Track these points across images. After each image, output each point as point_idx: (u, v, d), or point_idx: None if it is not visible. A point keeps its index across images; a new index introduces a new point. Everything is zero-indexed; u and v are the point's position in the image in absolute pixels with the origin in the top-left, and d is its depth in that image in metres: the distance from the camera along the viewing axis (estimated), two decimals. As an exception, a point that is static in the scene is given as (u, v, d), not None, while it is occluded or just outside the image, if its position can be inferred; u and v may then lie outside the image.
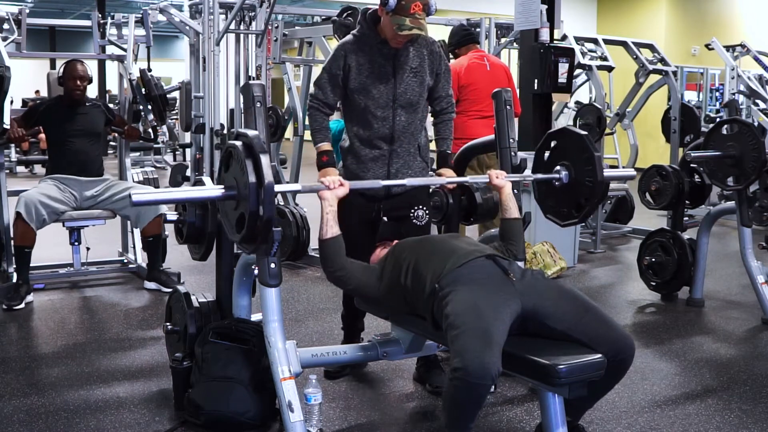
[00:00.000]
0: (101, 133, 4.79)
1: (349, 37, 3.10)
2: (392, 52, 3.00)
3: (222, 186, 2.43)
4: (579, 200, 2.87)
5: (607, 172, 2.83)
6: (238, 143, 2.34)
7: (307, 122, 6.30)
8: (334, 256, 2.61)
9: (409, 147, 3.11)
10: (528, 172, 3.13)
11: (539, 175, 2.95)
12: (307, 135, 6.47)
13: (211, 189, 2.46)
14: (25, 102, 10.85)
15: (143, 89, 4.81)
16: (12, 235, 4.46)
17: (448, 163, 3.18)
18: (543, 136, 3.02)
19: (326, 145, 3.09)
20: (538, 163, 3.01)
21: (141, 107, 4.92)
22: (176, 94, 6.24)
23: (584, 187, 2.83)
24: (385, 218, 3.12)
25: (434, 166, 3.28)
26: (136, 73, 4.86)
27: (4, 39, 4.78)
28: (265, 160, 2.28)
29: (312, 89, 3.14)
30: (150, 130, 5.12)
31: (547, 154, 2.98)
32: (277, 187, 2.34)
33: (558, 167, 2.90)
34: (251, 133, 2.35)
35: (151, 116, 4.87)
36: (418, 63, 3.05)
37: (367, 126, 3.07)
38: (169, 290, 3.54)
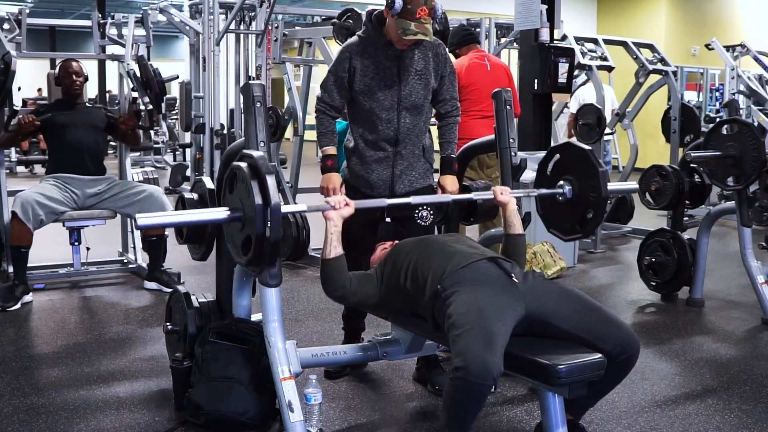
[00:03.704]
0: (101, 131, 4.79)
1: (354, 38, 3.09)
2: (397, 54, 3.00)
3: (227, 208, 2.38)
4: (583, 215, 2.84)
5: (611, 186, 2.80)
6: (243, 164, 2.30)
7: (307, 122, 6.35)
8: (336, 276, 2.56)
9: (414, 149, 3.11)
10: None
11: (543, 190, 2.92)
12: (308, 135, 6.51)
13: (216, 211, 2.42)
14: (24, 102, 10.84)
15: (140, 76, 4.77)
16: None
17: (452, 168, 3.16)
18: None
19: (331, 149, 3.10)
20: (541, 178, 2.98)
21: (137, 95, 4.88)
22: (176, 93, 6.25)
23: (588, 202, 2.80)
24: (388, 219, 3.12)
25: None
26: (135, 65, 4.83)
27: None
28: (271, 181, 2.24)
29: (318, 92, 3.13)
30: (144, 115, 4.99)
31: (550, 167, 2.96)
32: (284, 208, 2.30)
33: (561, 182, 2.88)
34: (256, 153, 2.31)
35: (146, 99, 4.80)
36: (423, 65, 3.04)
37: (372, 128, 3.06)
38: (170, 290, 3.54)
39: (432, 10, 2.85)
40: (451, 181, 3.16)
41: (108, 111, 4.97)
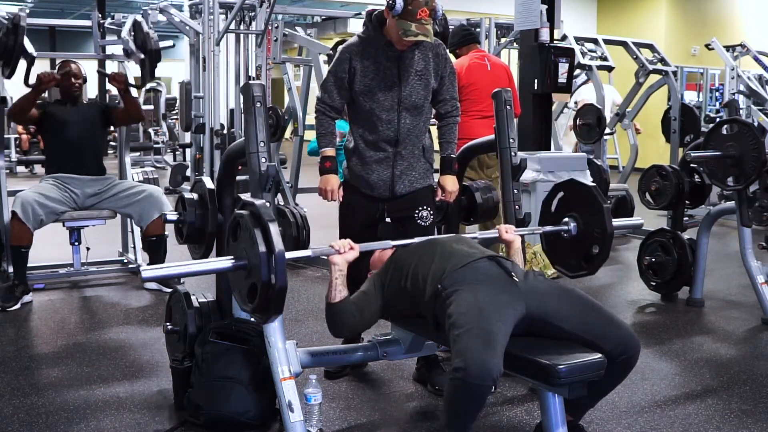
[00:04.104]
0: (100, 127, 4.78)
1: (354, 38, 3.08)
2: (397, 55, 2.99)
3: (231, 257, 2.36)
4: (588, 251, 2.83)
5: (616, 222, 2.79)
6: (246, 213, 2.29)
7: (306, 122, 6.36)
8: (341, 317, 2.54)
9: (414, 149, 3.11)
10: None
11: (548, 228, 2.91)
12: (307, 135, 6.51)
13: (220, 261, 2.39)
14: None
15: (135, 39, 4.74)
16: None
17: (452, 168, 3.16)
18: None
19: (330, 151, 3.10)
20: (546, 214, 2.97)
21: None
22: (176, 93, 6.24)
23: (593, 239, 2.79)
24: (388, 219, 3.12)
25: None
26: (131, 40, 4.81)
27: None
28: (274, 228, 2.23)
29: (318, 93, 3.13)
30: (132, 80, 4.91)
31: (554, 204, 2.94)
32: (289, 254, 2.28)
33: (566, 219, 2.87)
34: (258, 202, 2.30)
35: (142, 55, 4.76)
36: (423, 66, 3.04)
37: (372, 129, 3.06)
38: (170, 290, 3.54)
39: (433, 11, 2.84)
40: (451, 181, 3.16)
41: (104, 105, 4.92)
